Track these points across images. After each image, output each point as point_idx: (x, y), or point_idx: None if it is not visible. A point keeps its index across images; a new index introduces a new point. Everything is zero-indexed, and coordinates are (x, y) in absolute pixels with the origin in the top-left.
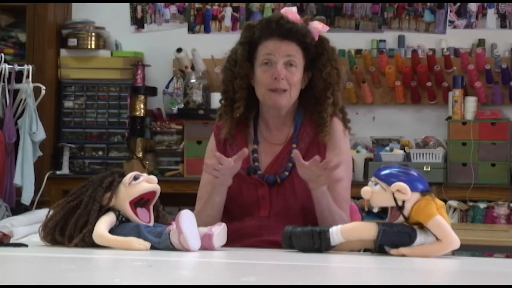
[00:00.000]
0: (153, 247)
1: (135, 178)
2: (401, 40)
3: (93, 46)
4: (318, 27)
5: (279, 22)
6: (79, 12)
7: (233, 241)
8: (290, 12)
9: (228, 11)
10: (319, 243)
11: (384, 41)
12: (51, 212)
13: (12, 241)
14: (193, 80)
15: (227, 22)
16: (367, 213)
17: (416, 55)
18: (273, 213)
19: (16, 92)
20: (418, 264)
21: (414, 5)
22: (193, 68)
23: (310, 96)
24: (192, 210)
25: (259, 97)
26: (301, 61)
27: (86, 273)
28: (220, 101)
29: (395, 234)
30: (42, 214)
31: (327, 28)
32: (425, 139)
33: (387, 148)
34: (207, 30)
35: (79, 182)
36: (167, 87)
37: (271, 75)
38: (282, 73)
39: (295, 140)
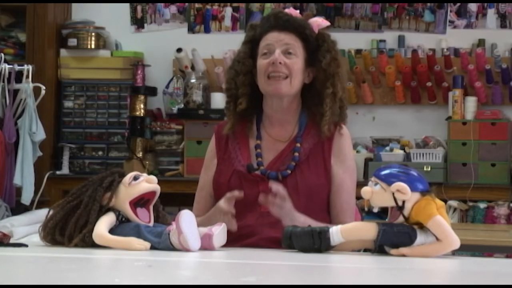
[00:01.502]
0: (153, 247)
1: (135, 178)
2: (401, 40)
3: (93, 46)
4: (317, 20)
5: (278, 15)
6: (79, 12)
7: (233, 241)
8: (292, 10)
9: (228, 11)
10: (319, 243)
11: (384, 41)
12: (51, 212)
13: (12, 241)
14: (193, 80)
15: (227, 22)
16: (367, 213)
17: (416, 55)
18: None
19: (16, 92)
20: (418, 264)
21: (414, 5)
22: (193, 68)
23: (314, 95)
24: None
25: (261, 89)
26: (301, 51)
27: (86, 273)
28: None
29: (395, 234)
30: (42, 214)
31: (327, 23)
32: (425, 139)
33: (387, 148)
34: (207, 30)
35: (79, 182)
36: (167, 87)
37: (269, 61)
38: (279, 58)
39: (299, 140)
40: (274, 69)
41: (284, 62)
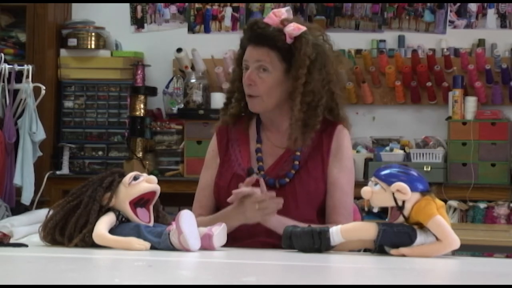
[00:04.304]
0: (153, 247)
1: (135, 178)
2: (401, 40)
3: (93, 46)
4: (289, 30)
5: (253, 28)
6: (79, 12)
7: (230, 241)
8: (272, 18)
9: (228, 11)
10: (319, 243)
11: (384, 41)
12: (51, 212)
13: (12, 241)
14: (193, 80)
15: (227, 22)
16: (367, 213)
17: (416, 55)
18: None
19: (16, 92)
20: (418, 264)
21: (414, 5)
22: (193, 68)
23: None
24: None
25: None
26: (278, 64)
27: (86, 273)
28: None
29: (395, 234)
30: (42, 214)
31: (302, 28)
32: (425, 139)
33: (387, 148)
34: (207, 30)
35: (79, 182)
36: (167, 87)
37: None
38: (250, 79)
39: (299, 148)
40: (248, 91)
41: (255, 82)
